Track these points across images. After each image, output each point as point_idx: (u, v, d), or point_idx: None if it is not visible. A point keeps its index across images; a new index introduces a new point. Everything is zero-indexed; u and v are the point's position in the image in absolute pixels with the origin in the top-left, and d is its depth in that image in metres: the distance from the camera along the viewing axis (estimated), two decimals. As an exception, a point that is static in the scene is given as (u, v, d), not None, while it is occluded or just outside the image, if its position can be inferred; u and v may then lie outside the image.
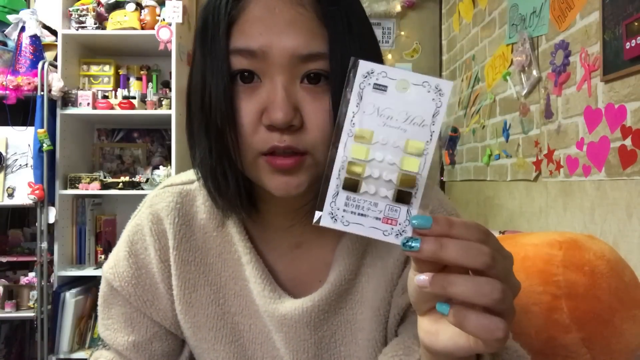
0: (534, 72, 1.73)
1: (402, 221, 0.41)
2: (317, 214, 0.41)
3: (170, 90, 2.47)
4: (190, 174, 0.70)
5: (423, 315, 0.44)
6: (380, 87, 0.40)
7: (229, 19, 0.54)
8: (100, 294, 0.70)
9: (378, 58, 0.60)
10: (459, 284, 0.38)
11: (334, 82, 0.53)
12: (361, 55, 0.55)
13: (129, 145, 2.76)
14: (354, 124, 0.40)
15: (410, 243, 0.39)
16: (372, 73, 0.40)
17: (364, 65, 0.40)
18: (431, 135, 0.41)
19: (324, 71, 0.54)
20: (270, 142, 0.53)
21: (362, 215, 0.41)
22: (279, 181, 0.55)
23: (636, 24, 1.17)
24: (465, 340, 0.40)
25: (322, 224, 0.41)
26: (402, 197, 0.41)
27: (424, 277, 0.40)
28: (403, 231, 0.41)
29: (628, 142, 1.22)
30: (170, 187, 0.69)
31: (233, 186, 0.58)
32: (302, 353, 0.65)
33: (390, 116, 0.40)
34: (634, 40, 1.17)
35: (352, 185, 0.41)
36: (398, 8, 2.94)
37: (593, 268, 0.77)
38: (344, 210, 0.41)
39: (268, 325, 0.65)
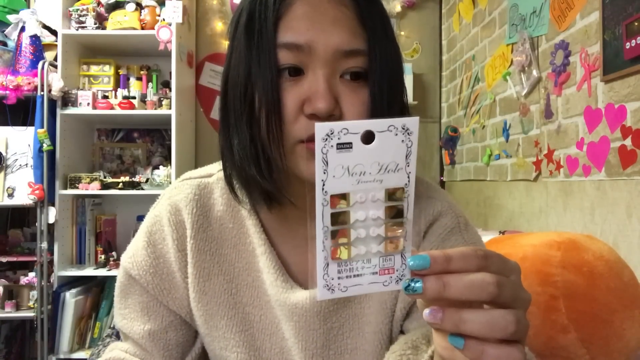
0: (534, 72, 1.73)
1: (398, 267, 0.40)
2: (312, 291, 0.40)
3: (170, 90, 2.47)
4: (207, 169, 0.73)
5: (437, 332, 0.43)
6: (344, 146, 0.37)
7: (276, 15, 0.57)
8: (118, 284, 0.72)
9: (401, 59, 0.65)
10: (471, 322, 0.37)
11: (373, 79, 0.58)
12: (394, 55, 0.61)
13: (129, 145, 2.76)
14: (326, 192, 0.38)
15: (412, 285, 0.38)
16: (331, 134, 0.37)
17: (320, 128, 0.37)
18: (408, 177, 0.39)
19: (363, 69, 0.58)
20: (311, 130, 0.56)
21: (358, 276, 0.40)
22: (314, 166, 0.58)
23: (636, 24, 1.16)
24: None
25: (319, 298, 0.40)
26: (394, 245, 0.40)
27: (432, 314, 0.38)
28: (402, 275, 0.40)
29: (628, 142, 1.21)
30: (189, 180, 0.72)
31: (275, 171, 0.61)
32: (311, 343, 0.66)
33: (362, 172, 0.38)
34: (634, 40, 1.17)
35: (341, 253, 0.39)
36: (398, 8, 2.94)
37: (591, 268, 0.77)
38: (339, 278, 0.39)
39: (278, 315, 0.67)
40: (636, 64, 1.17)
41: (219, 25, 2.95)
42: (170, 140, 2.50)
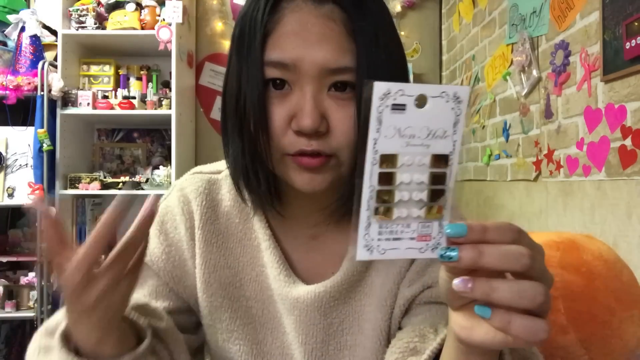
0: (534, 72, 1.73)
1: (435, 235, 0.41)
2: (352, 248, 0.40)
3: (170, 90, 2.47)
4: (217, 165, 0.75)
5: (456, 311, 0.43)
6: (398, 107, 0.38)
7: (264, 31, 0.58)
8: None
9: (403, 67, 0.64)
10: (502, 290, 0.38)
11: (360, 93, 0.57)
12: (386, 67, 0.59)
13: (129, 145, 2.76)
14: (376, 150, 0.39)
15: (448, 253, 0.38)
16: (388, 94, 0.38)
17: (379, 87, 0.38)
18: (454, 145, 0.40)
19: (350, 81, 0.58)
20: (298, 146, 0.58)
21: (396, 239, 0.40)
22: (305, 177, 0.60)
23: (636, 24, 1.16)
24: (502, 336, 0.40)
25: (358, 258, 0.40)
26: (434, 212, 0.40)
27: (463, 282, 0.39)
28: (438, 244, 0.41)
29: (628, 142, 1.21)
30: (200, 174, 0.74)
31: (264, 184, 0.63)
32: (311, 337, 0.68)
33: (412, 135, 0.39)
34: (634, 40, 1.17)
35: (384, 213, 0.40)
36: (398, 8, 2.94)
37: (591, 269, 0.77)
38: (379, 240, 0.40)
39: (280, 309, 0.69)
40: (636, 64, 1.17)
41: (219, 25, 2.95)
42: (170, 140, 2.50)
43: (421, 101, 0.39)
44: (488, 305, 0.39)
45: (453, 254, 0.38)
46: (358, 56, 0.57)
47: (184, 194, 0.72)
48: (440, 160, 0.40)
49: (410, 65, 2.89)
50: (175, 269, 0.70)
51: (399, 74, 0.62)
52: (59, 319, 0.56)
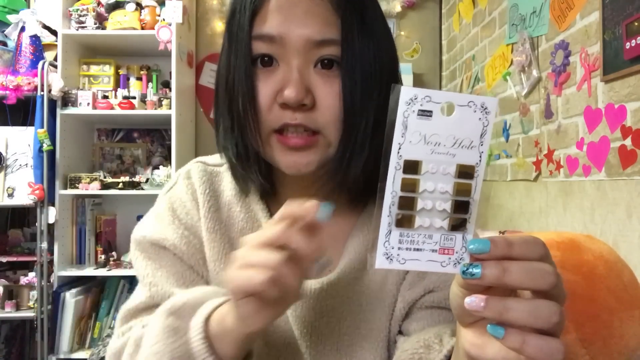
0: (534, 72, 1.73)
1: (458, 249, 0.40)
2: (370, 256, 0.39)
3: (170, 90, 2.47)
4: (218, 158, 0.75)
5: (467, 327, 0.42)
6: (425, 113, 0.38)
7: (252, 8, 0.60)
8: (142, 256, 0.69)
9: (391, 55, 0.64)
10: (516, 310, 0.36)
11: (345, 67, 0.59)
12: (372, 47, 0.60)
13: (129, 145, 2.76)
14: (400, 155, 0.38)
15: (470, 270, 0.37)
16: (415, 99, 0.37)
17: (406, 92, 0.37)
18: (480, 156, 0.39)
19: (336, 57, 0.59)
20: (283, 120, 0.59)
21: (417, 250, 0.39)
22: (289, 159, 0.60)
23: (636, 24, 1.16)
24: (515, 355, 0.38)
25: (377, 266, 0.39)
26: (457, 224, 0.39)
27: (475, 301, 0.37)
28: (461, 259, 0.39)
29: (628, 142, 1.21)
30: (202, 164, 0.74)
31: (253, 158, 0.63)
32: (306, 334, 0.66)
33: (437, 142, 0.38)
34: (634, 40, 1.17)
35: (405, 221, 0.39)
36: (398, 8, 2.94)
37: (591, 269, 0.77)
38: (399, 249, 0.39)
39: None
40: (636, 64, 1.17)
41: (219, 25, 2.95)
42: (170, 140, 2.50)
43: (448, 109, 0.38)
44: (501, 325, 0.37)
45: (476, 270, 0.37)
46: (343, 30, 0.58)
47: (190, 182, 0.72)
48: (466, 171, 0.39)
49: (410, 65, 2.89)
50: (197, 252, 0.69)
51: (386, 59, 0.63)
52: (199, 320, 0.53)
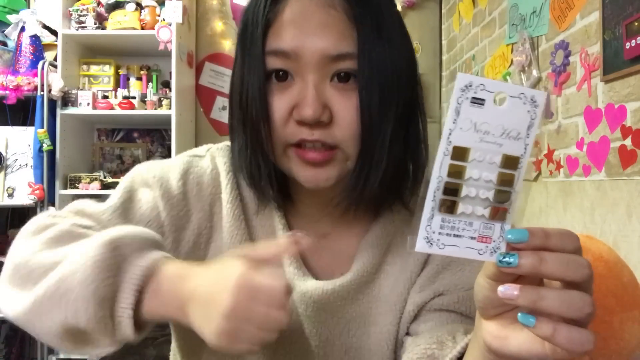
0: (534, 72, 1.73)
1: (496, 238, 0.40)
2: (411, 238, 0.40)
3: (170, 90, 2.47)
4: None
5: (490, 320, 0.42)
6: (477, 101, 0.38)
7: (265, 22, 0.57)
8: (121, 191, 0.66)
9: (410, 62, 0.62)
10: (550, 299, 0.37)
11: (362, 81, 0.56)
12: (390, 57, 0.57)
13: (129, 145, 2.76)
14: (450, 141, 0.38)
15: (507, 259, 0.37)
16: (470, 86, 0.38)
17: (462, 78, 0.37)
18: (525, 148, 0.39)
19: (353, 70, 0.57)
20: (299, 135, 0.57)
21: (457, 236, 0.40)
22: (308, 173, 0.59)
23: (636, 24, 1.16)
24: (540, 347, 0.39)
25: (417, 249, 0.39)
26: (498, 213, 0.40)
27: (509, 289, 0.38)
28: (497, 248, 0.40)
29: (628, 142, 1.21)
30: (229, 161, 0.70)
31: (265, 178, 0.62)
32: (315, 335, 0.66)
33: (487, 131, 0.38)
34: (634, 40, 1.17)
35: (448, 206, 0.39)
36: (398, 8, 2.94)
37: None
38: (440, 233, 0.39)
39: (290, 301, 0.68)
40: (636, 64, 1.17)
41: (219, 25, 2.95)
42: (170, 140, 2.50)
43: (500, 99, 0.39)
44: (532, 314, 0.38)
45: (512, 259, 0.37)
46: (359, 42, 0.56)
47: (215, 164, 0.69)
48: (510, 161, 0.39)
49: (410, 65, 2.89)
50: (179, 219, 0.66)
51: (404, 67, 0.60)
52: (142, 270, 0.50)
